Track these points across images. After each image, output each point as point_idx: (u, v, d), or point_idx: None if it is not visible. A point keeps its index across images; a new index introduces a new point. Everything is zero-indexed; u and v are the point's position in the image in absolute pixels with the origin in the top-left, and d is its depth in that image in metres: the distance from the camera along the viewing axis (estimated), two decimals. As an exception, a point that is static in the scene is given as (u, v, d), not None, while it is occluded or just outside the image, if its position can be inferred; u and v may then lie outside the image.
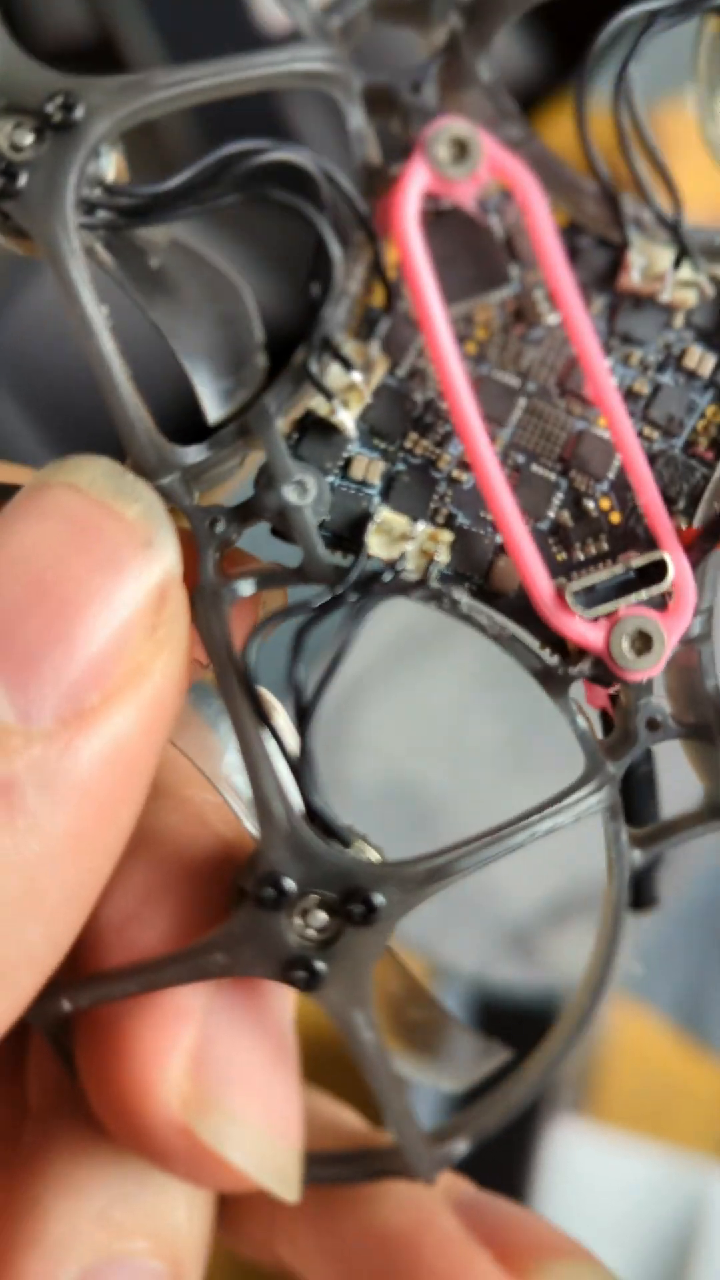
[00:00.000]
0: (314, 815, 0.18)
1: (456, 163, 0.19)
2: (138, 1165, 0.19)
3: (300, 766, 0.18)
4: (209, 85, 0.19)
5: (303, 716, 0.18)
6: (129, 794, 0.18)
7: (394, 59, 0.20)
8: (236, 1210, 0.21)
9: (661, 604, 0.20)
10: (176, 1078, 0.18)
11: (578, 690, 0.21)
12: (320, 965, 0.18)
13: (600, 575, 0.20)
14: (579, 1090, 0.56)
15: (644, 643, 0.19)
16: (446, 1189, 0.20)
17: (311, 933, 0.18)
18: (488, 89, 0.20)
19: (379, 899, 0.18)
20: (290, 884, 0.18)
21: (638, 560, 0.20)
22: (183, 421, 0.21)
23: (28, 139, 0.18)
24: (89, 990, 0.18)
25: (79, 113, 0.18)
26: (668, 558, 0.19)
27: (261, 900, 0.18)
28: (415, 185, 0.19)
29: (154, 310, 0.20)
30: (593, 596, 0.20)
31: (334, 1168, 0.20)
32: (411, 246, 0.19)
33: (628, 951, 0.21)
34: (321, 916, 0.18)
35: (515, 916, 0.52)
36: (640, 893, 0.23)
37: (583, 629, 0.19)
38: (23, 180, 0.18)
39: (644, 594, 0.20)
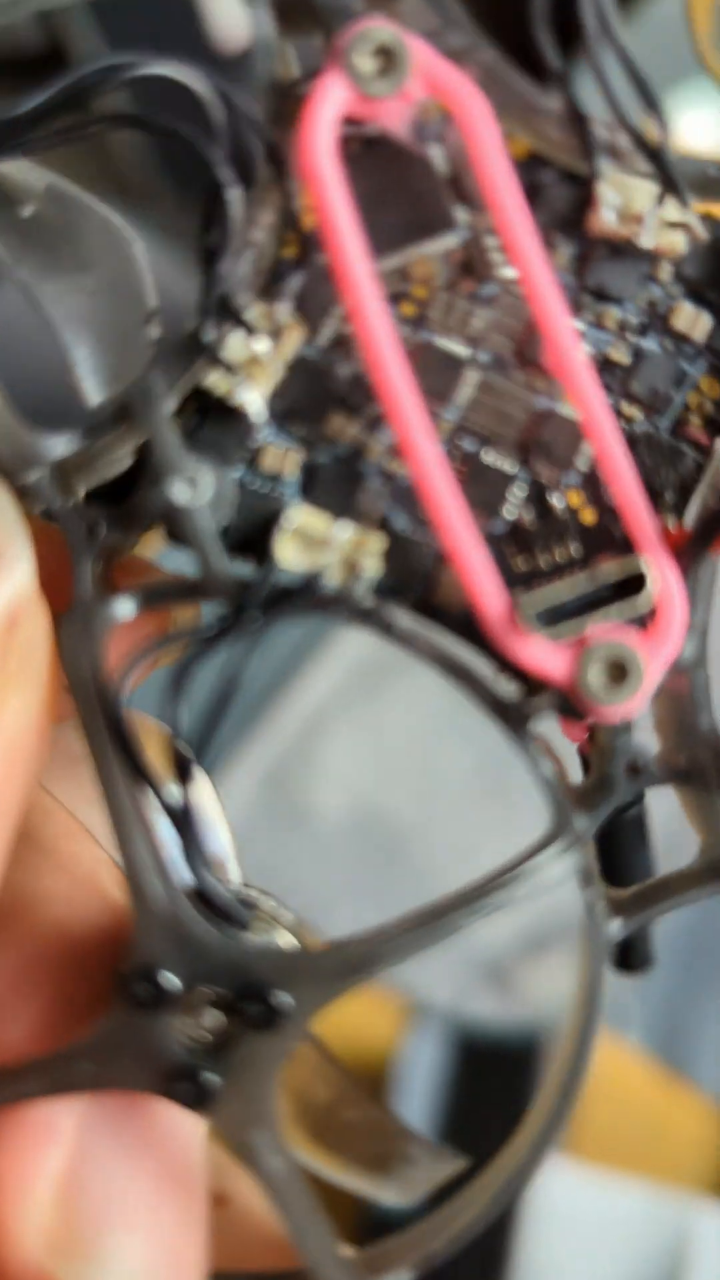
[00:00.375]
0: (203, 892, 0.15)
1: (381, 76, 0.15)
2: None
3: (184, 831, 0.15)
4: None
5: (182, 769, 0.15)
6: None
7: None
8: None
9: (642, 623, 0.16)
10: (39, 1213, 0.15)
11: (551, 723, 0.17)
12: (211, 1077, 0.15)
13: (565, 588, 0.16)
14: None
15: (619, 673, 0.16)
16: None
17: (201, 1036, 0.15)
18: (430, -8, 0.16)
19: (282, 998, 0.14)
20: (171, 979, 0.14)
21: (612, 569, 0.16)
22: (66, 407, 0.17)
23: None
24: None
25: None
26: (648, 566, 0.16)
27: (136, 998, 0.14)
28: (329, 105, 0.15)
29: (23, 268, 0.17)
30: (555, 615, 0.16)
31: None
32: (324, 181, 0.15)
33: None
34: (214, 1016, 0.15)
35: (490, 947, 0.50)
36: (631, 954, 0.19)
37: (542, 656, 0.16)
38: None
39: (619, 611, 0.16)
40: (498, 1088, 0.53)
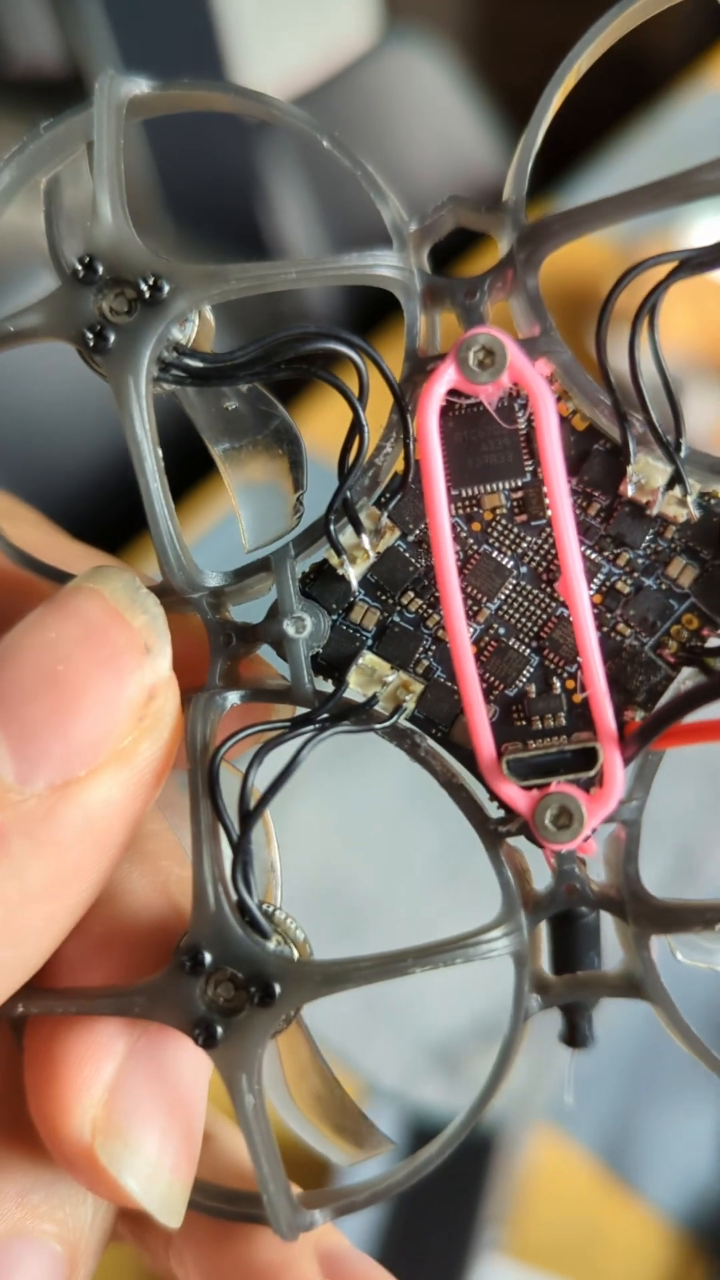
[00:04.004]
0: (242, 906, 0.21)
1: (483, 368, 0.22)
2: (58, 1167, 0.22)
3: (236, 864, 0.21)
4: (280, 281, 0.22)
5: (244, 820, 0.21)
6: (100, 854, 0.21)
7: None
8: (143, 1223, 0.25)
9: (589, 786, 0.22)
10: (92, 1103, 0.21)
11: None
12: (219, 1029, 0.21)
13: (540, 750, 0.22)
14: (501, 1226, 0.56)
15: (566, 818, 0.22)
16: (318, 1240, 0.23)
17: (218, 1001, 0.21)
18: (532, 301, 0.22)
19: (277, 988, 0.21)
20: (208, 958, 0.21)
21: (573, 744, 0.22)
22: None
23: (124, 307, 0.22)
24: (38, 1001, 0.22)
25: (165, 292, 0.22)
26: (598, 747, 0.22)
27: (182, 965, 0.21)
28: (442, 383, 0.22)
29: (218, 446, 0.24)
30: (527, 768, 0.22)
31: (217, 1201, 0.23)
32: (428, 435, 0.22)
33: (515, 1082, 0.23)
34: (229, 990, 0.21)
35: (440, 1035, 0.52)
36: (574, 1031, 0.25)
37: (513, 794, 0.22)
38: (111, 341, 0.22)
39: (574, 775, 0.22)
40: (446, 1172, 0.55)
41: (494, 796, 0.22)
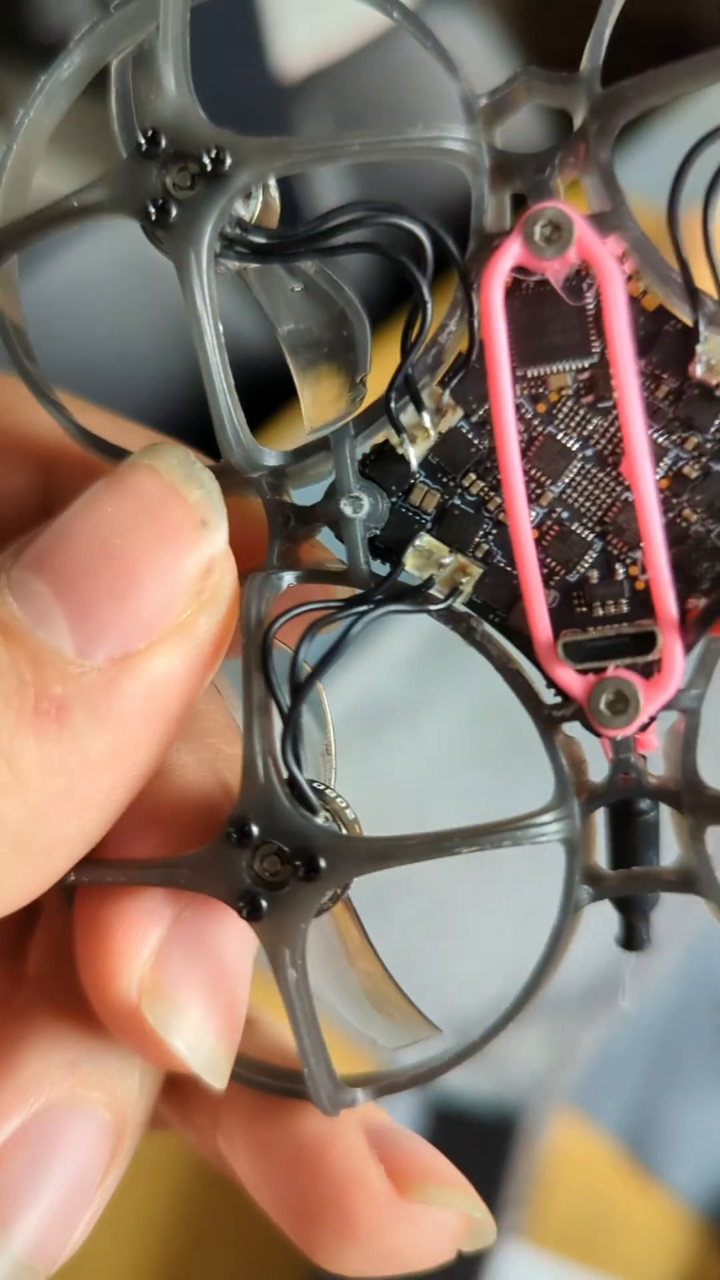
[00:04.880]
0: (292, 781, 0.22)
1: (550, 243, 0.21)
2: (107, 1036, 0.23)
3: (286, 736, 0.21)
4: (344, 153, 0.22)
5: (295, 692, 0.21)
6: (160, 726, 0.22)
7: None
8: (189, 1103, 0.25)
9: (648, 672, 0.21)
10: (140, 966, 0.22)
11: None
12: (263, 903, 0.21)
13: (598, 634, 0.22)
14: (521, 1211, 0.55)
15: (622, 703, 0.21)
16: (363, 1115, 0.23)
17: (264, 875, 0.21)
18: (604, 175, 0.22)
19: (322, 862, 0.21)
20: (255, 830, 0.21)
21: (632, 628, 0.21)
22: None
23: (186, 181, 0.22)
24: (90, 871, 0.22)
25: (228, 164, 0.21)
26: (657, 631, 0.21)
27: (229, 837, 0.21)
28: (507, 258, 0.21)
29: (282, 327, 0.24)
30: (584, 651, 0.21)
31: (262, 1076, 0.24)
32: (492, 311, 0.21)
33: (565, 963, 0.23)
34: (275, 864, 0.21)
35: (464, 1016, 0.49)
36: (631, 932, 0.24)
37: (569, 678, 0.21)
38: (174, 215, 0.22)
39: (632, 660, 0.21)
40: (466, 1155, 0.55)
41: (550, 682, 0.22)
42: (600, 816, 0.23)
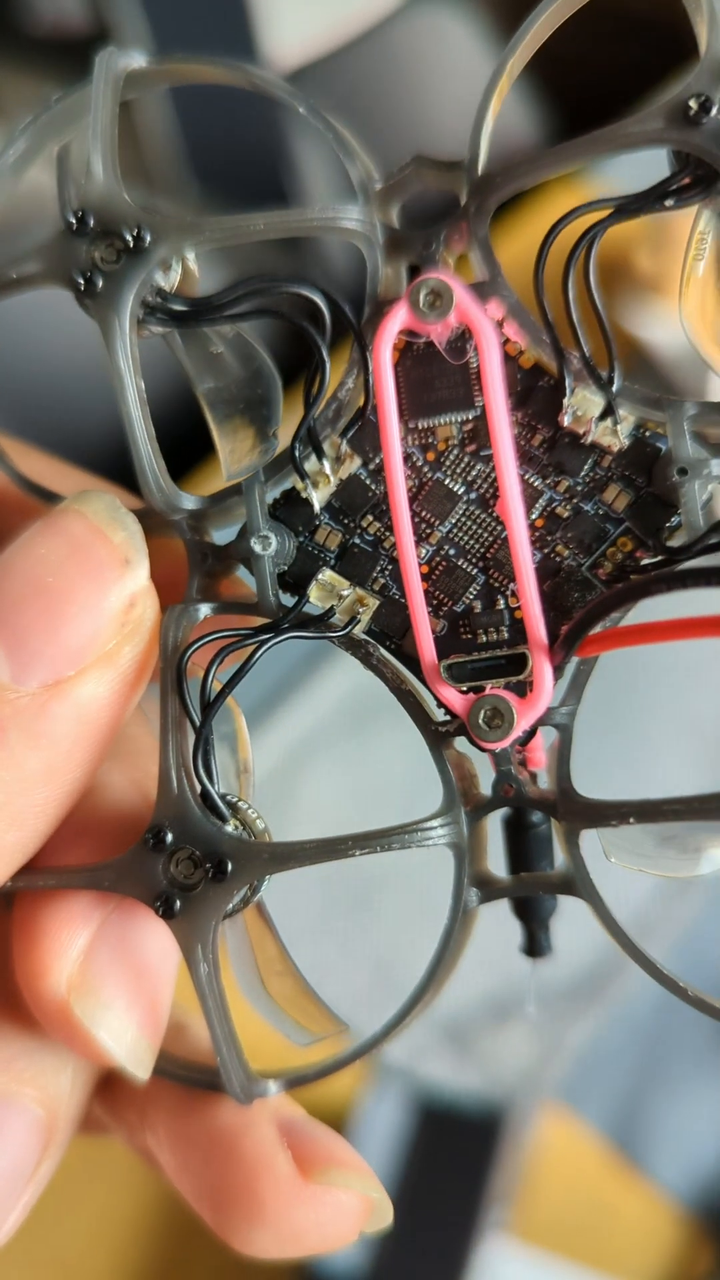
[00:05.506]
0: (205, 792, 0.24)
1: (432, 309, 0.24)
2: (41, 1035, 0.25)
3: (197, 748, 0.24)
4: (251, 233, 0.24)
5: (205, 710, 0.24)
6: (89, 745, 0.24)
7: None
8: (120, 1102, 0.27)
9: (524, 691, 0.24)
10: (68, 964, 0.24)
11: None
12: (178, 903, 0.23)
13: (478, 657, 0.24)
14: (507, 1205, 0.56)
15: (499, 719, 0.23)
16: (276, 1109, 0.25)
17: (178, 877, 0.24)
18: (483, 249, 0.24)
19: (229, 865, 0.23)
20: (169, 837, 0.24)
21: (507, 651, 0.24)
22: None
23: (112, 256, 0.24)
24: (24, 877, 0.24)
25: (147, 241, 0.24)
26: (527, 653, 0.23)
27: (146, 843, 0.24)
28: (395, 322, 0.24)
29: (202, 385, 0.26)
30: (465, 672, 0.24)
31: (183, 1070, 0.26)
32: (381, 369, 0.24)
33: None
34: (188, 868, 0.24)
35: (450, 1011, 0.52)
36: (531, 940, 0.27)
37: (451, 696, 0.24)
38: (100, 285, 0.24)
39: (507, 679, 0.24)
40: (453, 1150, 0.55)
41: (439, 702, 0.24)
42: (498, 829, 0.25)
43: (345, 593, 0.25)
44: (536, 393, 0.25)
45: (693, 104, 0.22)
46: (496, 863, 0.26)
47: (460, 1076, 0.56)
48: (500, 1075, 0.58)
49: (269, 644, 0.24)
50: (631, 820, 0.23)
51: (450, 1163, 0.57)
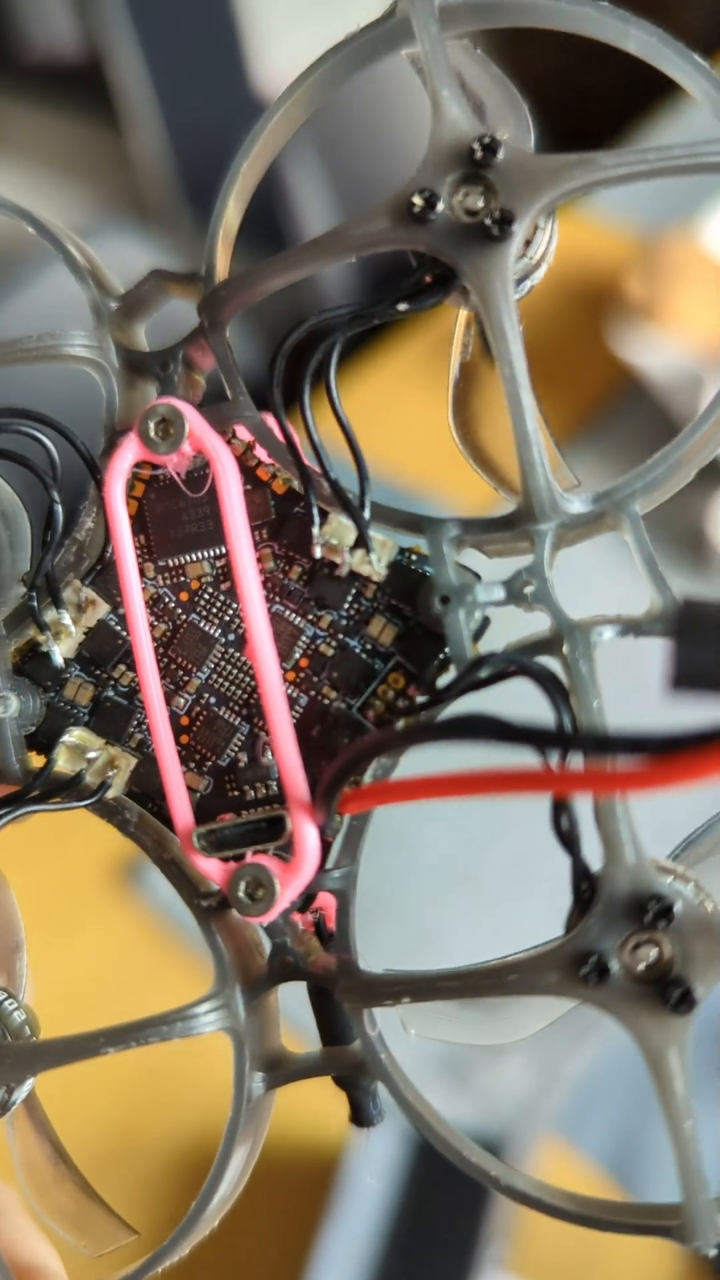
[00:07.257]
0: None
1: (164, 438, 0.22)
2: None
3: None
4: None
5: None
6: None
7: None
8: None
9: (287, 856, 0.21)
10: None
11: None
12: None
13: (234, 821, 0.21)
14: (504, 1241, 0.54)
15: (260, 889, 0.21)
16: None
17: None
18: (222, 366, 0.22)
19: None
20: None
21: (265, 813, 0.21)
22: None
23: None
24: None
25: None
26: (285, 815, 0.21)
27: None
28: (125, 457, 0.22)
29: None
30: (220, 839, 0.21)
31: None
32: (113, 507, 0.22)
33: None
34: None
35: (452, 1045, 0.50)
36: (356, 1110, 0.24)
37: (209, 867, 0.21)
38: None
39: (267, 845, 0.21)
40: (452, 1190, 0.53)
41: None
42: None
43: (92, 754, 0.23)
44: (291, 520, 0.22)
45: (417, 200, 0.20)
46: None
47: (456, 1110, 0.54)
48: (497, 1108, 0.57)
49: (8, 818, 0.22)
50: (406, 1000, 0.20)
51: (447, 1199, 0.55)
